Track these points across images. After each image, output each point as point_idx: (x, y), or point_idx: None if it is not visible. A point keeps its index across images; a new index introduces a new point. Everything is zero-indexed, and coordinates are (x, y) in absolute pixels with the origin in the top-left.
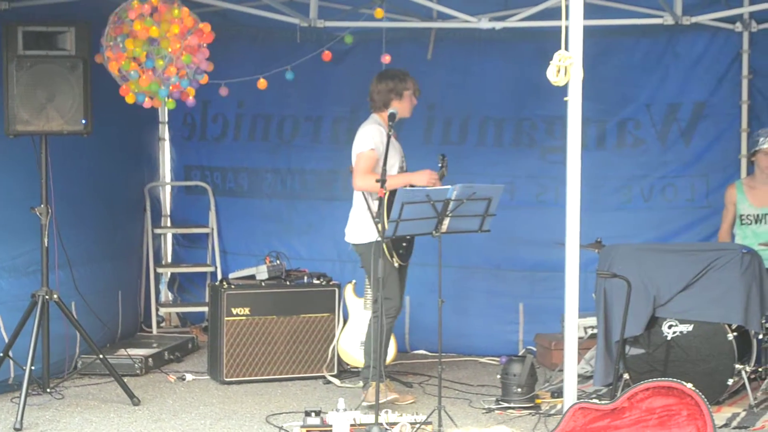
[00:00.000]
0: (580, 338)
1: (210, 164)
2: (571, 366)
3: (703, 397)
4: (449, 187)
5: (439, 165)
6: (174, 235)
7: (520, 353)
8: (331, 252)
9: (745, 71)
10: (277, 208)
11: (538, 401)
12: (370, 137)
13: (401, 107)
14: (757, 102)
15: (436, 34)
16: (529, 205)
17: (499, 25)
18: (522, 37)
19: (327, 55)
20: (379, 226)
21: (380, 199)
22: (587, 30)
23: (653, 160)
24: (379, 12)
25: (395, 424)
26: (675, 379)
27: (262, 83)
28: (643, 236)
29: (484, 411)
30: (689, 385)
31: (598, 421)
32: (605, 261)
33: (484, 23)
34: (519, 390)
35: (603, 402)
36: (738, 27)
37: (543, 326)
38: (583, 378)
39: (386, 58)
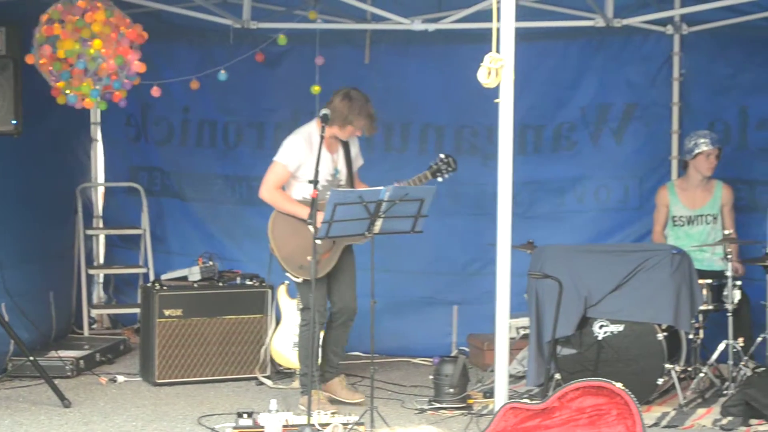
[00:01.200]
0: (512, 339)
1: (155, 166)
2: (502, 366)
3: (632, 396)
4: (381, 188)
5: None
6: (111, 237)
7: (453, 354)
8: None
9: (676, 73)
10: (223, 213)
11: (470, 401)
12: (288, 150)
13: (340, 133)
14: (688, 104)
15: (372, 36)
16: (470, 212)
17: (432, 26)
18: (458, 40)
19: (259, 56)
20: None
21: (312, 200)
22: (521, 32)
23: (586, 162)
24: (312, 14)
25: (327, 424)
26: (605, 379)
27: (194, 84)
28: (576, 238)
29: (417, 411)
30: (619, 385)
31: (528, 420)
32: (537, 262)
33: (417, 25)
34: (451, 390)
35: (534, 402)
36: (669, 29)
37: (477, 327)
38: (515, 378)
39: (320, 60)
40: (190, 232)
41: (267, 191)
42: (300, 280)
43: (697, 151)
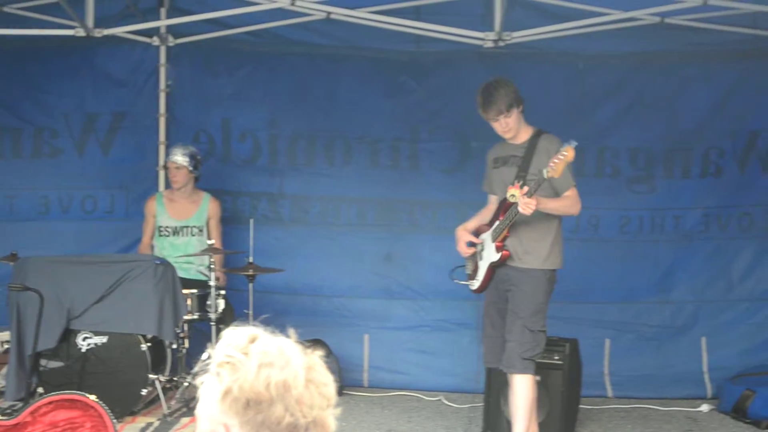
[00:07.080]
0: None
1: None
2: None
3: (106, 408)
4: None
5: None
6: None
7: None
8: None
9: (162, 84)
10: None
11: None
12: None
13: None
14: (175, 115)
15: None
16: None
17: None
18: None
19: None
20: None
21: None
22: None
23: (72, 170)
24: None
25: None
26: (79, 392)
27: None
28: (62, 248)
29: None
30: (93, 397)
31: None
32: (19, 273)
33: None
34: None
35: (6, 418)
36: (155, 41)
37: None
38: None
39: None
40: None
41: None
42: None
43: (166, 163)
